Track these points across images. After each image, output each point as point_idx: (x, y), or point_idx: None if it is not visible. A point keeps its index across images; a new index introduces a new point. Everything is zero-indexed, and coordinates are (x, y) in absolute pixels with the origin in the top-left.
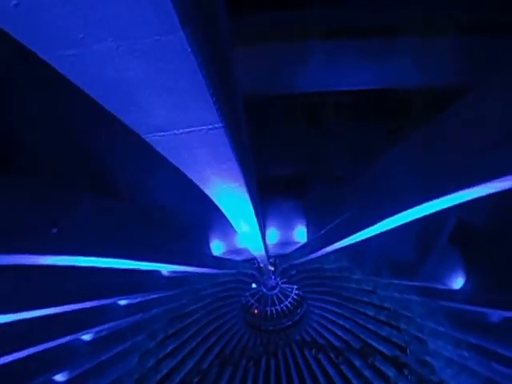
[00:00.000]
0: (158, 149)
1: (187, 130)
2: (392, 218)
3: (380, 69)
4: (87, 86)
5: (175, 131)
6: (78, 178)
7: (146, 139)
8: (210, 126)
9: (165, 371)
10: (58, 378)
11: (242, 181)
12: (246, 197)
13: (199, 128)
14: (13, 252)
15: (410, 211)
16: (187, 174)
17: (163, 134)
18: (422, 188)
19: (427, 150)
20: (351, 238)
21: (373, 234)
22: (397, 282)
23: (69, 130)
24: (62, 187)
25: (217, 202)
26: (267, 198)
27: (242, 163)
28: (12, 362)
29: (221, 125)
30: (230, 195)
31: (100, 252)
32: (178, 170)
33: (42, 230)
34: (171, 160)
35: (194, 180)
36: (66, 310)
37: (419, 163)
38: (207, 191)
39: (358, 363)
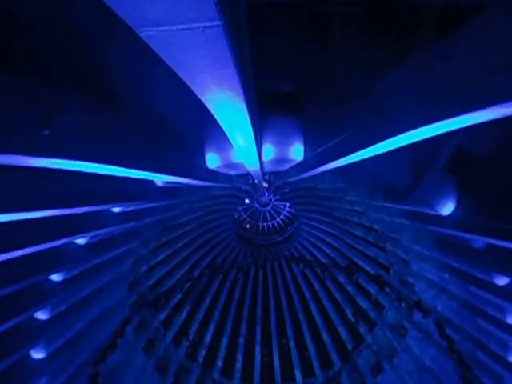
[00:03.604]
0: (154, 47)
1: (183, 26)
2: (391, 140)
3: None
4: None
5: (170, 27)
6: (73, 80)
7: (141, 35)
8: (208, 24)
9: (157, 277)
10: (55, 278)
11: (240, 90)
12: (244, 108)
13: (196, 25)
14: (2, 152)
15: (409, 133)
16: (184, 78)
17: (158, 29)
18: (423, 110)
19: (431, 70)
20: (348, 158)
21: (370, 155)
22: (389, 205)
23: (68, 28)
24: (56, 87)
25: (213, 112)
26: (265, 113)
27: (241, 70)
28: (10, 262)
29: (219, 23)
30: (227, 105)
31: (92, 157)
32: (176, 78)
33: (33, 131)
34: (167, 62)
35: (191, 86)
36: (61, 213)
37: (423, 84)
38: (204, 99)
39: (342, 279)
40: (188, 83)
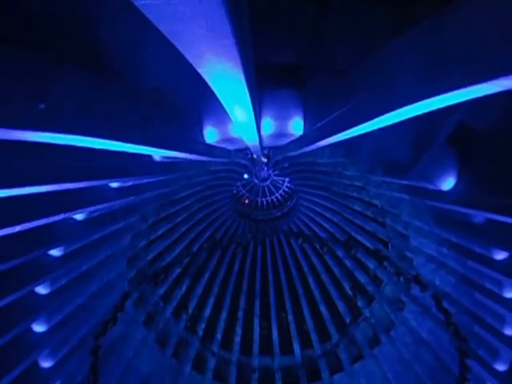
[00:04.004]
0: (149, 16)
1: None
2: (392, 114)
3: None
4: None
5: None
6: (68, 53)
7: (136, 4)
8: None
9: (156, 251)
10: (54, 253)
11: (238, 61)
12: (242, 80)
13: None
14: None
15: (411, 107)
16: (180, 49)
17: None
18: (425, 83)
19: (433, 41)
20: (348, 132)
21: (371, 129)
22: (389, 179)
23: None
24: (52, 60)
25: (211, 84)
26: (265, 86)
27: (240, 40)
28: (9, 237)
29: None
30: (225, 77)
31: (89, 131)
32: (172, 49)
33: (29, 105)
34: (163, 31)
35: (187, 57)
36: (59, 189)
37: (424, 56)
38: (201, 71)
39: (340, 254)
40: (184, 54)
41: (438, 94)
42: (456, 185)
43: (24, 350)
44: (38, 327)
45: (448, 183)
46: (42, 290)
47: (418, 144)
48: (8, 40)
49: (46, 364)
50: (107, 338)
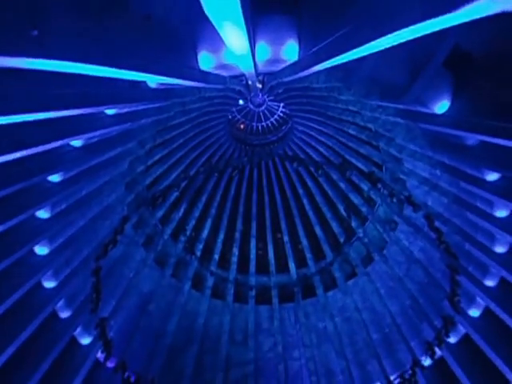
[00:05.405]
0: None
1: None
2: (388, 36)
3: None
4: None
5: None
6: None
7: None
8: None
9: (154, 176)
10: (54, 179)
11: None
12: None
13: None
14: None
15: (407, 30)
16: None
17: None
18: (420, 5)
19: None
20: (343, 56)
21: (367, 53)
22: (384, 104)
23: None
24: None
25: (203, 5)
26: (259, 11)
27: None
28: (10, 164)
29: None
30: None
31: (82, 57)
32: None
33: (21, 32)
34: None
35: None
36: (56, 116)
37: None
38: None
39: (335, 176)
40: None
41: (434, 16)
42: (450, 108)
43: (27, 271)
44: (41, 250)
45: (442, 106)
46: (43, 214)
47: (413, 68)
48: None
49: (49, 284)
50: (108, 259)
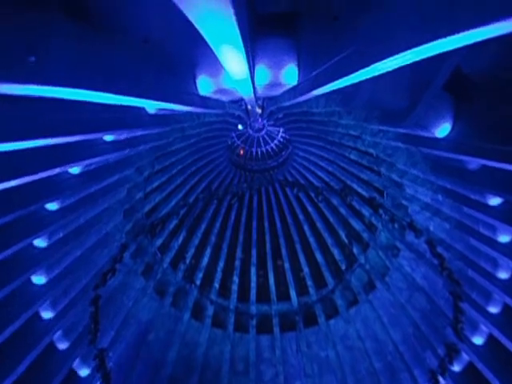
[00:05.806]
0: None
1: None
2: (388, 60)
3: None
4: None
5: None
6: (56, 2)
7: None
8: None
9: (152, 203)
10: (51, 207)
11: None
12: (234, 22)
13: None
14: None
15: (407, 53)
16: None
17: None
18: (422, 28)
19: None
20: (343, 80)
21: (366, 77)
22: (384, 128)
23: None
24: (39, 12)
25: (200, 29)
26: (259, 35)
27: None
28: (7, 191)
29: None
30: (214, 17)
31: (80, 83)
32: None
33: (18, 58)
34: None
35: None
36: (54, 143)
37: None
38: (189, 14)
39: (336, 202)
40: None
41: (435, 39)
42: (451, 131)
43: (25, 301)
44: (38, 279)
45: (443, 130)
46: (40, 242)
47: (413, 91)
48: None
49: (46, 315)
50: (107, 289)
